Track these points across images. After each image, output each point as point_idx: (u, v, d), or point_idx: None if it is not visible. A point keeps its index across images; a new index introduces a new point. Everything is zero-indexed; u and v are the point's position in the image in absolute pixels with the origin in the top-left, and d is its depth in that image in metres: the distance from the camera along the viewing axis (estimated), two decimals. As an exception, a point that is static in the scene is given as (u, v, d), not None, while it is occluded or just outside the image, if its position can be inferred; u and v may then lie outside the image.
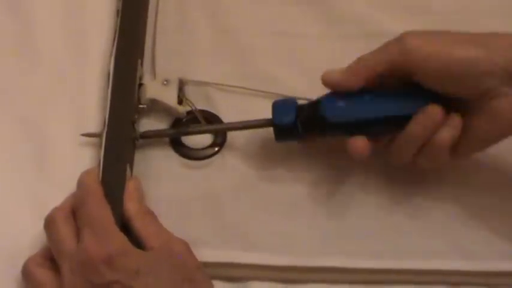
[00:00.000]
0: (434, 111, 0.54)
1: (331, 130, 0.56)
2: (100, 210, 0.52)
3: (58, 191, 0.56)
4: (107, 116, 0.58)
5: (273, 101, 0.58)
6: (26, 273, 0.53)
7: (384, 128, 0.56)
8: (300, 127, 0.57)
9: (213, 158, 0.61)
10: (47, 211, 0.54)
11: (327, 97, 0.57)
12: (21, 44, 0.65)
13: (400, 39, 0.54)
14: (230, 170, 0.61)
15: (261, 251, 0.57)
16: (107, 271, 0.49)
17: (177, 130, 0.61)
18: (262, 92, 0.63)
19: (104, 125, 0.58)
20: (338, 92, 0.56)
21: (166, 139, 0.61)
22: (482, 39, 0.53)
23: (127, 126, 0.59)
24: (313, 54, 0.64)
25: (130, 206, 0.55)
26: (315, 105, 0.57)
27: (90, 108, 0.62)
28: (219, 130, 0.61)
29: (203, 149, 0.61)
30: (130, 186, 0.56)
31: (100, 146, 0.58)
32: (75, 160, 0.60)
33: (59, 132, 0.61)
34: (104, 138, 0.57)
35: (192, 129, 0.61)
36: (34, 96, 0.63)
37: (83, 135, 0.60)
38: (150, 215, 0.55)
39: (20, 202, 0.59)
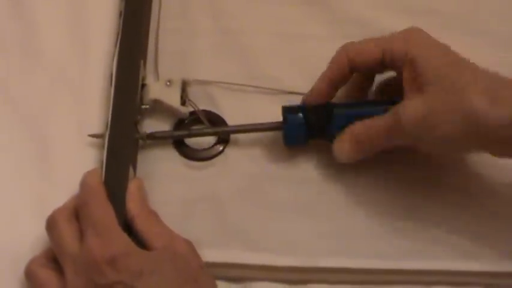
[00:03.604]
0: None
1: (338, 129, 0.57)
2: (103, 211, 0.52)
3: (61, 191, 0.57)
4: (110, 117, 0.58)
5: (282, 105, 0.59)
6: (29, 274, 0.53)
7: None
8: (309, 130, 0.58)
9: (216, 159, 0.61)
10: (49, 212, 0.54)
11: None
12: (24, 44, 0.65)
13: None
14: (233, 170, 0.60)
15: (263, 252, 0.57)
16: (111, 272, 0.49)
17: (185, 132, 0.61)
18: (266, 89, 0.63)
19: (107, 126, 0.58)
20: None
21: (170, 140, 0.61)
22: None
23: (130, 127, 0.59)
24: (316, 55, 0.64)
25: (133, 206, 0.55)
26: (324, 107, 0.58)
27: (92, 109, 0.62)
28: (226, 132, 0.61)
29: (206, 149, 0.61)
30: (132, 186, 0.56)
31: (103, 147, 0.58)
32: (78, 160, 0.60)
33: (62, 133, 0.62)
34: (107, 139, 0.57)
35: (200, 131, 0.61)
36: (36, 97, 0.63)
37: (90, 136, 0.60)
38: (153, 215, 0.55)
39: (23, 202, 0.59)
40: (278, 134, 0.60)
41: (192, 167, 0.61)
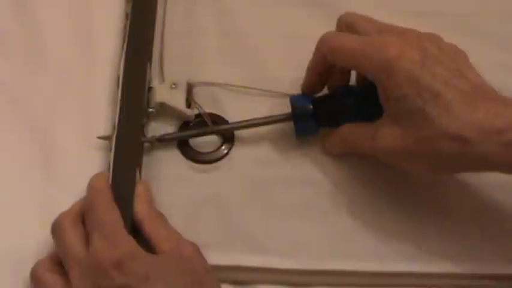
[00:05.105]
0: None
1: (349, 117, 0.58)
2: (109, 214, 0.52)
3: (65, 194, 0.56)
4: (117, 120, 0.58)
5: (289, 96, 0.60)
6: (35, 277, 0.53)
7: None
8: (320, 120, 0.58)
9: (221, 161, 0.61)
10: (54, 214, 0.54)
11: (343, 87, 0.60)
12: (29, 46, 0.65)
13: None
14: (237, 173, 0.60)
15: (268, 254, 0.57)
16: (117, 275, 0.49)
17: (193, 131, 0.61)
18: (270, 92, 0.63)
19: (114, 129, 0.58)
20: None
21: (174, 143, 0.61)
22: None
23: (137, 130, 0.59)
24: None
25: (140, 209, 0.55)
26: (333, 95, 0.60)
27: (97, 111, 0.62)
28: (235, 129, 0.61)
29: (211, 152, 0.61)
30: (139, 189, 0.56)
31: (108, 149, 0.58)
32: (83, 163, 0.59)
33: (67, 135, 0.61)
34: (114, 142, 0.57)
35: (208, 130, 0.61)
36: (41, 99, 0.63)
37: (99, 137, 0.60)
38: (160, 217, 0.55)
39: (28, 205, 0.59)
40: (283, 135, 0.60)
41: (196, 169, 0.60)
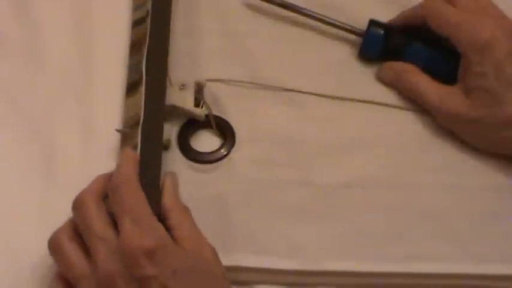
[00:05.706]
0: None
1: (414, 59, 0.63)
2: (135, 198, 0.51)
3: (66, 194, 0.55)
4: (142, 118, 0.57)
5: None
6: (53, 245, 0.51)
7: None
8: (386, 43, 0.64)
9: (221, 162, 0.61)
10: (54, 215, 0.53)
11: None
12: (29, 46, 0.65)
13: None
14: (237, 173, 0.60)
15: (269, 255, 0.57)
16: (148, 264, 0.47)
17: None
18: (274, 88, 0.63)
19: (139, 126, 0.57)
20: None
21: (174, 143, 0.61)
22: None
23: (159, 129, 0.58)
24: (322, 59, 0.65)
25: (168, 201, 0.54)
26: (405, 35, 0.65)
27: (98, 112, 0.62)
28: (310, 17, 0.66)
29: (211, 152, 0.61)
30: (167, 181, 0.55)
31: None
32: (83, 163, 0.59)
33: (67, 136, 0.61)
34: (140, 141, 0.56)
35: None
36: (41, 99, 0.62)
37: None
38: (186, 211, 0.54)
39: (27, 206, 0.58)
40: (283, 136, 0.61)
41: (196, 169, 0.60)
